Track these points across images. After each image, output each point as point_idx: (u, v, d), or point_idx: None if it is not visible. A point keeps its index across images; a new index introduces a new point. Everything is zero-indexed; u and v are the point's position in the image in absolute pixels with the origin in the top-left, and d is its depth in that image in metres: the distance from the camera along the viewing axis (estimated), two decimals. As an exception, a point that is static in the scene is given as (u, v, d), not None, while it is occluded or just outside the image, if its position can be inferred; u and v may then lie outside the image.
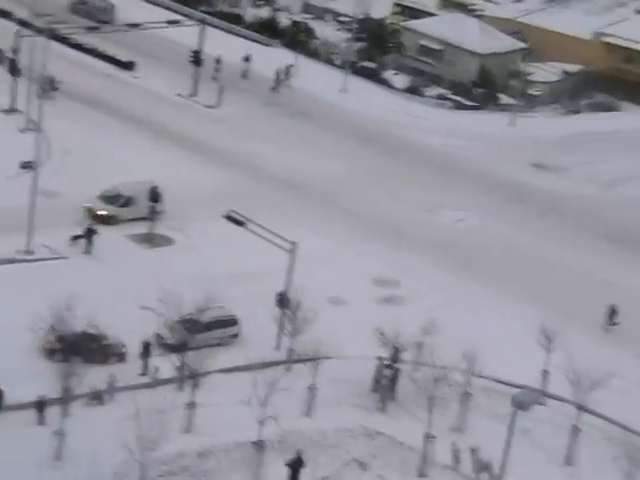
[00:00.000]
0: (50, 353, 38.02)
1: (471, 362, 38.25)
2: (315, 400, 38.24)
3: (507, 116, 73.89)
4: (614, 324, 47.33)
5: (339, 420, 38.13)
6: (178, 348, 38.79)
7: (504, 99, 78.19)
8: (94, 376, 35.88)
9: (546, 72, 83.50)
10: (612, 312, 47.41)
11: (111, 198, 50.87)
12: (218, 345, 41.32)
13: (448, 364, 38.46)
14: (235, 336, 42.83)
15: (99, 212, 50.02)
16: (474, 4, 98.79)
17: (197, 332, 40.33)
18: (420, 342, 41.27)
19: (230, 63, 71.35)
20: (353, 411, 39.16)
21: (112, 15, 78.15)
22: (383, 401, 39.68)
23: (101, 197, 50.89)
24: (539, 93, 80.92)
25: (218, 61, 70.53)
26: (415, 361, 41.48)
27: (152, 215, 48.99)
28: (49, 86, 59.20)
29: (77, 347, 36.29)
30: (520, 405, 29.31)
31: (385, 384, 39.87)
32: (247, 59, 72.60)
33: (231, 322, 42.77)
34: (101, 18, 75.28)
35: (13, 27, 65.10)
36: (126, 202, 50.75)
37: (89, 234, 47.34)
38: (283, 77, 72.09)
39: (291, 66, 72.78)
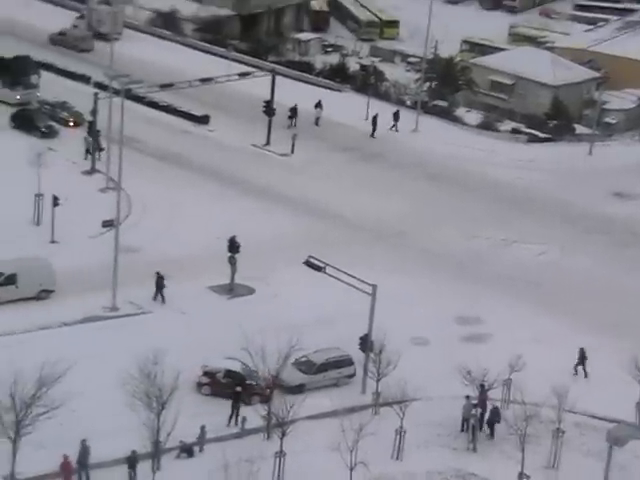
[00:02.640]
0: (198, 386, 41.06)
1: (562, 397, 37.49)
2: (404, 443, 37.86)
3: (583, 146, 72.93)
4: (582, 369, 43.86)
5: (430, 462, 37.69)
6: (295, 390, 40.03)
7: (579, 129, 77.28)
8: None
9: (622, 99, 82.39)
10: (582, 356, 44.07)
11: None
12: (335, 385, 42.33)
13: (538, 400, 37.86)
14: (352, 376, 43.08)
15: None
16: (544, 36, 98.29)
17: (313, 373, 41.41)
18: (508, 379, 40.69)
19: (302, 110, 72.06)
20: (443, 452, 38.68)
21: (91, 43, 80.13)
22: (473, 441, 39.10)
23: None
24: (615, 121, 79.81)
25: (292, 110, 71.29)
26: (504, 399, 40.88)
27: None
28: (96, 145, 61.15)
29: (221, 384, 40.64)
30: (616, 440, 28.66)
31: (474, 423, 39.30)
32: (318, 105, 73.23)
33: (347, 362, 43.10)
34: (82, 47, 76.15)
35: (91, 90, 66.88)
36: (6, 281, 45.87)
37: (159, 282, 47.79)
38: (393, 124, 72.31)
39: (398, 112, 72.99)
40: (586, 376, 43.93)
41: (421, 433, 38.81)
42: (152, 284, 48.22)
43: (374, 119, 71.78)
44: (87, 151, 62.47)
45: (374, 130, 71.74)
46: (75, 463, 35.21)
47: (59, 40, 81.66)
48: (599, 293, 52.11)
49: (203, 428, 37.91)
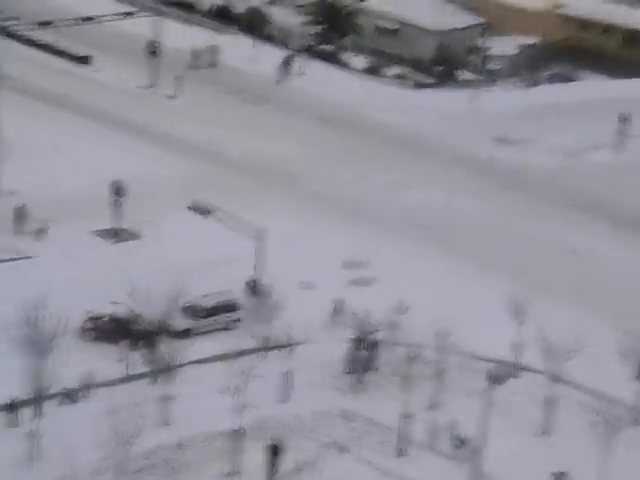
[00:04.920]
0: (82, 332, 40.36)
1: (444, 339, 38.31)
2: (291, 385, 38.17)
3: (467, 92, 73.95)
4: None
5: (316, 404, 38.12)
6: (183, 334, 40.00)
7: (464, 75, 78.28)
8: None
9: (504, 46, 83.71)
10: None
11: None
12: (223, 330, 42.27)
13: (422, 342, 38.61)
14: (238, 320, 43.10)
15: None
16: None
17: (200, 317, 41.41)
18: (392, 322, 41.30)
19: (185, 52, 70.90)
20: (329, 394, 39.15)
21: None
22: (358, 382, 39.67)
23: None
24: (498, 67, 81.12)
25: (195, 51, 70.25)
26: (389, 341, 41.53)
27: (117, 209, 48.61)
28: None
29: (106, 329, 40.28)
30: (495, 379, 29.48)
31: (359, 366, 39.83)
32: (213, 48, 72.16)
33: (235, 306, 43.12)
34: None
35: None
36: None
37: (16, 212, 46.97)
38: (292, 69, 71.58)
39: (291, 55, 72.27)
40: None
41: (307, 375, 39.15)
42: (31, 227, 47.19)
43: (286, 63, 70.79)
44: None
45: (285, 74, 70.97)
46: None
47: None
48: (483, 235, 53.23)
49: (89, 374, 37.38)
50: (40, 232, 47.28)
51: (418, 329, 39.43)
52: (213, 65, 71.89)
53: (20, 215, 47.24)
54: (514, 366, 40.26)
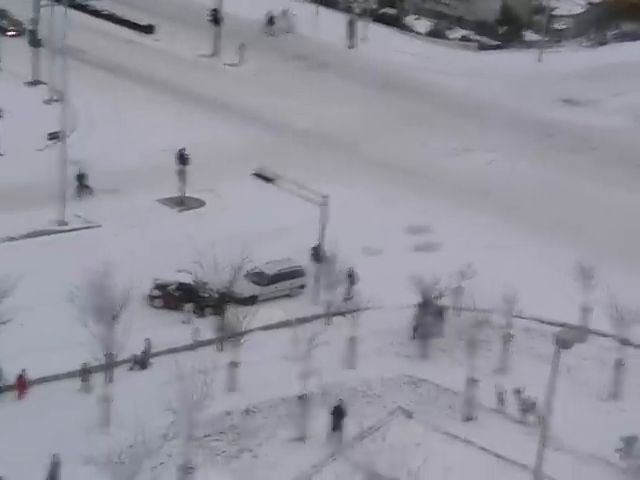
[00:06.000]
0: (150, 300, 40.79)
1: (511, 303, 38.02)
2: (356, 352, 38.25)
3: (533, 53, 72.79)
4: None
5: (382, 370, 38.14)
6: (248, 301, 40.20)
7: (529, 36, 77.03)
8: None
9: (570, 5, 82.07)
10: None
11: None
12: (287, 296, 42.51)
13: (488, 307, 38.36)
14: (303, 287, 43.17)
15: None
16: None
17: (265, 284, 41.57)
18: (459, 287, 41.10)
19: (248, 19, 70.83)
20: (395, 360, 39.15)
21: None
22: (424, 348, 39.62)
23: None
24: (564, 27, 79.62)
25: (270, 17, 70.44)
26: (455, 306, 41.37)
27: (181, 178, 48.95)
28: None
29: (172, 297, 40.53)
30: (563, 343, 29.08)
31: (424, 331, 39.75)
32: (285, 13, 72.03)
33: (299, 273, 43.15)
34: None
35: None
36: None
37: (80, 179, 47.67)
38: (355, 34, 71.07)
39: (352, 22, 71.58)
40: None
41: (373, 342, 39.19)
42: (100, 196, 47.70)
43: (350, 27, 70.20)
44: None
45: (352, 39, 70.47)
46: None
47: None
48: (549, 198, 52.57)
49: (156, 341, 37.84)
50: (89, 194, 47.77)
51: (484, 294, 39.15)
52: (289, 31, 71.76)
53: (80, 182, 47.82)
54: (582, 330, 39.83)
